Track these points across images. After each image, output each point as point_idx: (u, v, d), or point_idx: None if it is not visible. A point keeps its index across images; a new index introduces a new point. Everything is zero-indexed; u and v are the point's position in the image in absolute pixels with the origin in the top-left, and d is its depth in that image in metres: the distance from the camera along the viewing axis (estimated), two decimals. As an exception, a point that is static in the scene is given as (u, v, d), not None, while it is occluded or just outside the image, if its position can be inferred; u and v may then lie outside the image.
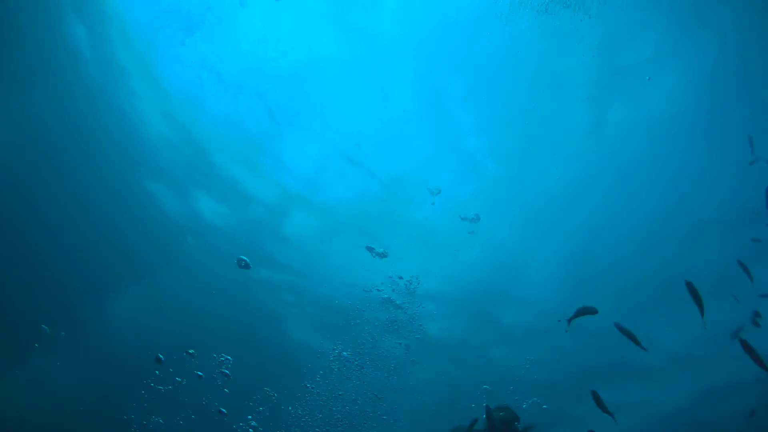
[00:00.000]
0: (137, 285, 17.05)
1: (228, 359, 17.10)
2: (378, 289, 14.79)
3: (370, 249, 14.03)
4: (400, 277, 14.77)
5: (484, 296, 16.29)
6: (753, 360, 5.58)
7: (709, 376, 16.93)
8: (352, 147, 13.94)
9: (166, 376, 17.74)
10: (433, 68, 12.49)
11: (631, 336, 5.93)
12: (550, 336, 17.24)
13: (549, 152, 14.01)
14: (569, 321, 6.16)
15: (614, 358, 17.41)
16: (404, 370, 17.63)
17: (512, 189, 14.53)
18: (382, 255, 14.08)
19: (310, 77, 12.87)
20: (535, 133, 13.77)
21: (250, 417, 18.20)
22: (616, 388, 17.97)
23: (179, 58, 12.31)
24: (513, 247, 15.41)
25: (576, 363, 17.58)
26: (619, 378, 17.73)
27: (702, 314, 5.55)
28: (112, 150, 13.64)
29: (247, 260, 14.35)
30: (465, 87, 13.03)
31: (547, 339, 17.25)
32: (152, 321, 17.71)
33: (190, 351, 16.52)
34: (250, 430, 18.39)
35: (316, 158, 14.12)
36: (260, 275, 16.09)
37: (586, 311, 5.92)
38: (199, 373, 16.78)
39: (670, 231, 14.76)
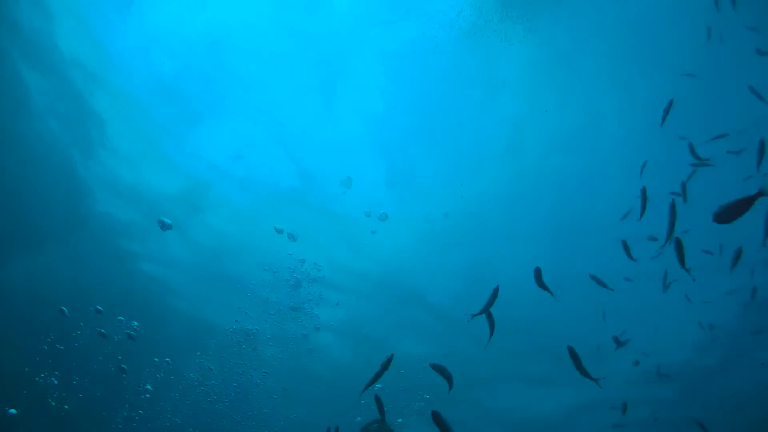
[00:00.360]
0: (40, 249, 16.84)
1: (135, 324, 17.28)
2: (278, 271, 15.34)
3: (279, 230, 14.66)
4: (303, 261, 15.33)
5: (384, 293, 17.02)
6: (576, 368, 5.48)
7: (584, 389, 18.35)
8: (278, 131, 14.30)
9: (64, 336, 17.75)
10: (340, 70, 13.30)
11: (442, 371, 5.81)
12: (447, 338, 18.33)
13: (460, 169, 15.10)
14: (476, 315, 5.84)
15: (506, 366, 18.67)
16: (297, 352, 18.19)
17: (421, 199, 15.50)
18: (291, 237, 14.73)
19: (248, 60, 13.17)
20: (451, 149, 14.79)
21: (149, 385, 18.35)
22: (497, 393, 19.21)
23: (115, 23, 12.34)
24: (416, 251, 16.27)
25: (467, 367, 18.63)
26: (507, 384, 18.96)
27: (491, 302, 5.62)
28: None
29: (168, 221, 14.55)
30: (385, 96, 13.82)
31: (443, 341, 18.33)
32: (52, 286, 17.47)
33: (99, 308, 16.66)
34: (147, 395, 18.58)
35: (240, 138, 14.30)
36: (163, 248, 16.21)
37: (490, 304, 5.61)
38: (102, 330, 16.91)
39: (567, 248, 16.08)
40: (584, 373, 5.48)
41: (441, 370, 5.80)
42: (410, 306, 17.46)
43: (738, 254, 6.80)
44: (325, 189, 14.93)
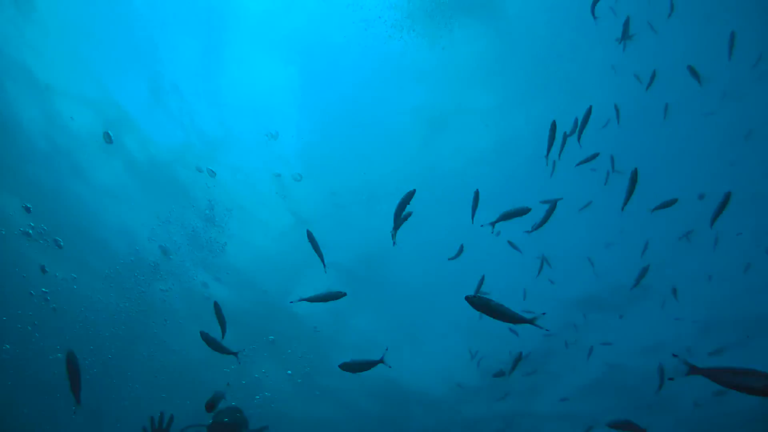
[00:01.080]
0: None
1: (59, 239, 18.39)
2: (193, 209, 16.46)
3: (199, 169, 15.90)
4: (212, 206, 16.57)
5: (286, 252, 18.24)
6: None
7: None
8: (207, 79, 14.69)
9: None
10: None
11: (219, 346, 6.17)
12: (342, 301, 19.67)
13: (376, 151, 16.40)
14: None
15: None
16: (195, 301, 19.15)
17: (332, 173, 16.80)
18: (211, 173, 16.57)
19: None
20: (370, 132, 16.08)
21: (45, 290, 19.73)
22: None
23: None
24: (321, 216, 17.47)
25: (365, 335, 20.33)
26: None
27: (323, 264, 6.35)
28: None
29: (111, 134, 15.02)
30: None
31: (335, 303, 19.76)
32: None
33: (27, 205, 17.89)
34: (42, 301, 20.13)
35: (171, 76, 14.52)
36: (85, 168, 16.22)
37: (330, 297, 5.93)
38: (30, 231, 18.18)
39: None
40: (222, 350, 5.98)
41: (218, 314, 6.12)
42: (310, 267, 18.66)
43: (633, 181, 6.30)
44: (245, 143, 16.00)
